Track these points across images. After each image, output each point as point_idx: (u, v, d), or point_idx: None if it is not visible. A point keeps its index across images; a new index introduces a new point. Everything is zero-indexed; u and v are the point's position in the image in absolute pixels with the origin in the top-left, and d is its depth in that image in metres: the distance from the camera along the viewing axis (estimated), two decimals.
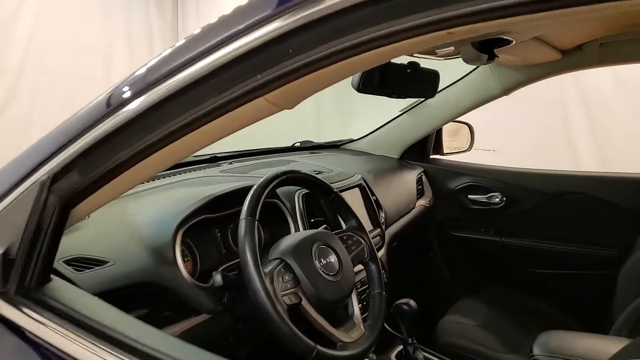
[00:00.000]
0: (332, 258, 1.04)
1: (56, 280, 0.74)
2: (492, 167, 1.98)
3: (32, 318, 0.65)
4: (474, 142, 2.14)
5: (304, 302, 0.96)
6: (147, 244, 0.99)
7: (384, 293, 1.16)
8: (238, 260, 1.14)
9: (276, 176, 1.05)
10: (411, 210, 1.85)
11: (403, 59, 1.29)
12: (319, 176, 1.23)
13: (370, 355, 1.40)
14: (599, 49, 1.44)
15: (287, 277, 0.96)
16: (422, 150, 2.07)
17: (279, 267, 0.96)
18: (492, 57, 1.20)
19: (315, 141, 2.15)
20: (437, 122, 1.94)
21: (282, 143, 2.11)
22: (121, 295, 0.90)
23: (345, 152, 2.08)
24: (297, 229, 1.26)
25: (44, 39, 3.89)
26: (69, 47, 4.04)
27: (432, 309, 1.68)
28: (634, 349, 0.86)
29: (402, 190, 1.85)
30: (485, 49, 1.15)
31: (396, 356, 1.41)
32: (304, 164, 1.69)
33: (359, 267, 1.18)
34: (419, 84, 1.32)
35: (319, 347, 0.91)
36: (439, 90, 1.89)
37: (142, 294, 0.95)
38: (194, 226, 1.06)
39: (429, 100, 1.92)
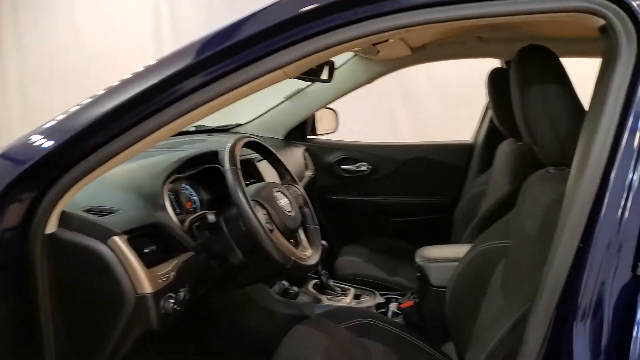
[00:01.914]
0: (286, 200, 1.37)
1: None
2: (359, 143, 2.48)
3: None
4: (339, 125, 2.61)
5: (275, 230, 1.27)
6: (143, 195, 1.20)
7: (317, 227, 1.52)
8: (200, 212, 1.38)
9: (242, 137, 1.34)
10: (302, 179, 2.24)
11: None
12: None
13: (293, 287, 1.75)
14: (436, 48, 2.01)
15: (263, 212, 1.26)
16: (302, 131, 2.47)
17: (255, 205, 1.26)
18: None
19: (208, 125, 2.39)
20: (315, 106, 2.35)
21: None
22: (139, 234, 1.10)
23: (235, 135, 2.37)
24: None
25: None
26: None
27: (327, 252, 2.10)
28: (481, 240, 1.36)
29: (294, 163, 2.22)
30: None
31: (313, 286, 1.78)
32: (217, 141, 1.95)
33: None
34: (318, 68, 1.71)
35: (292, 258, 1.24)
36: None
37: (150, 234, 1.15)
38: (174, 181, 1.30)
39: (308, 89, 2.33)
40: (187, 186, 1.47)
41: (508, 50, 2.00)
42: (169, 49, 0.96)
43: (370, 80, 2.22)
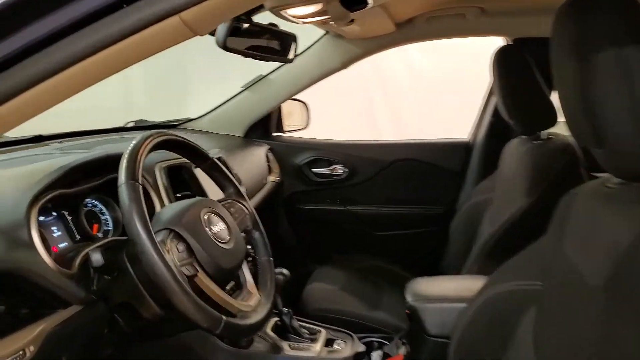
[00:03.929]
0: (222, 225, 0.96)
1: None
2: (333, 141, 2.07)
3: None
4: (310, 120, 2.21)
5: (201, 273, 0.86)
6: None
7: (271, 259, 1.11)
8: (111, 239, 0.98)
9: (151, 136, 0.91)
10: (264, 186, 1.83)
11: (265, 19, 1.26)
12: None
13: None
14: (426, 23, 1.61)
15: (180, 247, 0.85)
16: (266, 127, 2.05)
17: (170, 236, 0.85)
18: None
19: (151, 121, 1.96)
20: (280, 97, 1.94)
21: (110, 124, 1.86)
22: None
23: (186, 131, 1.95)
24: (162, 206, 1.13)
25: None
26: None
27: (294, 283, 1.70)
28: (499, 277, 0.97)
29: (254, 166, 1.81)
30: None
31: (272, 329, 1.37)
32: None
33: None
34: (278, 45, 1.30)
35: (224, 318, 0.83)
36: (278, 67, 1.91)
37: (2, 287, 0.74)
38: (50, 202, 0.87)
39: (271, 76, 1.91)
40: (94, 201, 1.06)
41: (517, 26, 1.61)
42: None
43: (345, 65, 1.82)
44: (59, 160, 0.96)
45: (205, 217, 0.93)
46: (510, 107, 1.37)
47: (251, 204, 1.64)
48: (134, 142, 0.88)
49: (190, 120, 2.03)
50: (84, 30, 0.55)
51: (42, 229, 0.90)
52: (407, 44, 1.77)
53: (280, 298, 1.37)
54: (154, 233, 0.86)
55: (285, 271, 1.34)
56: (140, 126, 1.87)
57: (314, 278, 1.75)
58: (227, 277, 0.95)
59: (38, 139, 1.40)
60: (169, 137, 0.97)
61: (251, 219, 1.12)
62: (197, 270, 0.86)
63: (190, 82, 3.50)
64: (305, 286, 1.70)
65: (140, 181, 0.82)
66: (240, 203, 1.11)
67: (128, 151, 0.86)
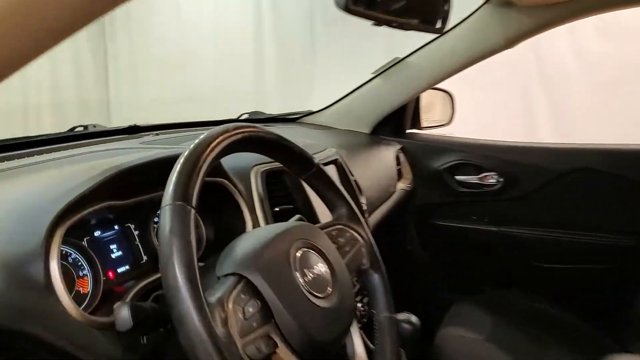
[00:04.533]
0: (322, 268, 0.63)
1: None
2: (485, 142, 1.63)
3: None
4: (455, 113, 1.79)
5: (282, 349, 0.54)
6: None
7: (394, 316, 0.76)
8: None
9: (226, 132, 0.61)
10: (392, 194, 1.47)
11: None
12: None
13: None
14: None
15: (250, 309, 0.53)
16: (398, 123, 1.69)
17: (236, 289, 0.54)
18: None
19: (267, 113, 1.71)
20: (420, 85, 1.56)
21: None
22: None
23: (305, 126, 1.67)
24: (256, 224, 0.84)
25: None
26: None
27: (422, 319, 1.32)
28: None
29: (380, 170, 1.47)
30: None
31: None
32: None
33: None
34: (423, 9, 0.93)
35: None
36: (420, 47, 1.53)
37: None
38: (88, 220, 0.62)
39: (411, 58, 1.54)
40: None
41: None
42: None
43: (510, 43, 1.37)
44: (112, 161, 0.71)
45: (298, 254, 0.61)
46: None
47: (373, 218, 1.31)
48: (197, 140, 0.58)
49: (311, 113, 1.74)
50: None
51: (96, 247, 0.67)
52: (600, 12, 1.27)
53: (405, 354, 1.01)
54: (218, 278, 0.56)
55: (413, 319, 0.96)
56: (254, 119, 1.63)
57: (450, 320, 1.36)
58: (327, 349, 0.61)
59: (133, 130, 1.21)
60: (254, 133, 0.66)
61: (368, 253, 0.77)
62: (277, 345, 0.54)
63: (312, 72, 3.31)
64: (437, 330, 1.31)
65: (194, 203, 0.53)
66: (354, 229, 0.77)
67: (185, 155, 0.56)
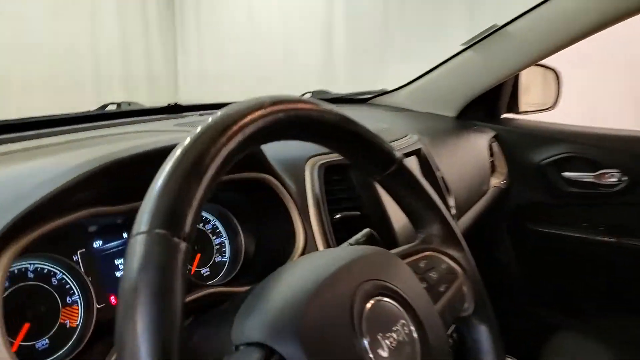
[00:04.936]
0: (405, 329, 0.39)
1: None
2: (604, 131, 1.31)
3: None
4: (561, 96, 1.47)
5: None
6: None
7: None
8: (205, 292, 0.52)
9: (256, 110, 0.38)
10: (485, 193, 1.20)
11: None
12: None
13: None
14: None
15: None
16: (491, 106, 1.40)
17: None
18: None
19: (333, 92, 1.48)
20: (521, 61, 1.26)
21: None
22: None
23: (377, 107, 1.42)
24: (309, 237, 0.61)
25: None
26: None
27: (515, 348, 1.07)
28: None
29: (470, 163, 1.19)
30: None
31: None
32: None
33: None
34: None
35: None
36: (522, 12, 1.23)
37: None
38: (84, 228, 0.44)
39: (511, 27, 1.24)
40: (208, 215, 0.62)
41: None
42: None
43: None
44: (117, 146, 0.51)
45: (367, 306, 0.38)
46: None
47: (461, 223, 1.05)
48: (208, 121, 0.36)
49: (385, 92, 1.49)
50: None
51: (93, 263, 0.49)
52: None
53: None
54: (239, 348, 0.35)
55: None
56: (318, 99, 1.41)
57: (552, 351, 1.08)
58: None
59: (173, 109, 1.03)
60: (304, 111, 0.42)
61: (472, 292, 0.52)
62: None
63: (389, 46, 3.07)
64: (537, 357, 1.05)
65: (187, 230, 0.30)
66: (451, 258, 0.52)
67: (184, 147, 0.34)
